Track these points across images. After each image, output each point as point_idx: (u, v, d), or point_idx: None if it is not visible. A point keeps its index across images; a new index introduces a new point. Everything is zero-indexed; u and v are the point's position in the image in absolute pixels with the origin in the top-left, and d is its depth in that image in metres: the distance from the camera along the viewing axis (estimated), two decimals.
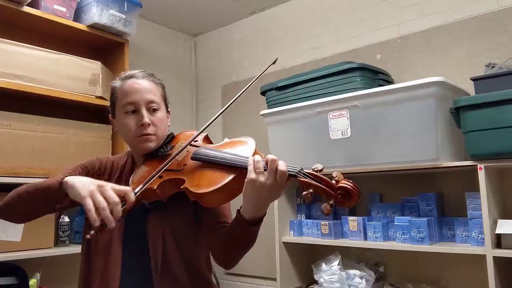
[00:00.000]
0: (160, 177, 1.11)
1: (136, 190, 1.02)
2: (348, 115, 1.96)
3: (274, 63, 1.25)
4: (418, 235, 1.81)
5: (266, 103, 2.36)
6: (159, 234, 1.17)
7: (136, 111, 1.20)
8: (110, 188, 0.96)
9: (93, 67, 2.30)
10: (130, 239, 1.18)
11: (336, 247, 2.12)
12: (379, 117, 1.88)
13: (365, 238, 2.02)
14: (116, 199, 0.93)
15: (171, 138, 1.29)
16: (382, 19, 2.41)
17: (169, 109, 1.32)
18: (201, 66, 3.38)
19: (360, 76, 2.00)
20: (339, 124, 1.99)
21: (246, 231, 1.06)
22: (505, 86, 1.60)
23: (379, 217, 2.09)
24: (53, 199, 1.07)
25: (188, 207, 1.20)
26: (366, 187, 2.24)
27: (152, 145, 1.21)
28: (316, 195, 0.93)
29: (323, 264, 2.10)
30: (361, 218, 2.05)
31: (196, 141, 1.21)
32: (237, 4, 2.90)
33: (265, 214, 1.06)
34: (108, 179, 1.25)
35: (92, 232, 0.91)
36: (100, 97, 2.31)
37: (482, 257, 1.63)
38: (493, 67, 1.79)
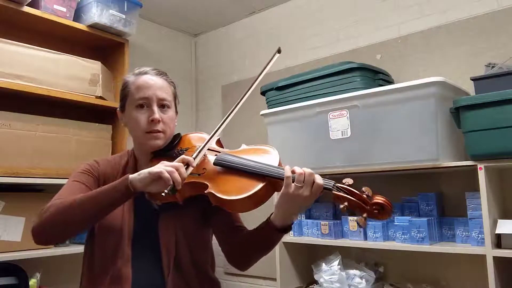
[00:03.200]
0: None
1: (193, 155, 1.10)
2: (348, 115, 1.96)
3: (279, 52, 1.26)
4: (418, 235, 1.81)
5: (266, 103, 2.36)
6: (172, 234, 1.17)
7: (147, 107, 1.21)
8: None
9: (93, 67, 2.30)
10: (140, 239, 1.16)
11: (336, 247, 2.12)
12: (379, 117, 1.88)
13: (365, 238, 2.02)
14: (178, 163, 1.04)
15: (179, 139, 1.29)
16: (382, 19, 2.41)
17: (177, 110, 1.32)
18: (201, 66, 3.38)
19: (360, 76, 2.00)
20: (339, 124, 1.99)
21: (275, 237, 1.12)
22: (505, 86, 1.60)
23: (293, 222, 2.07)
24: (119, 200, 1.07)
25: (198, 209, 1.22)
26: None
27: (159, 142, 1.21)
28: (349, 208, 0.99)
29: (323, 264, 2.10)
30: None
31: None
32: (237, 4, 2.90)
33: (293, 222, 1.15)
34: (113, 181, 1.23)
35: (166, 191, 1.00)
36: (100, 97, 2.31)
37: (482, 257, 1.63)
38: (493, 67, 1.79)
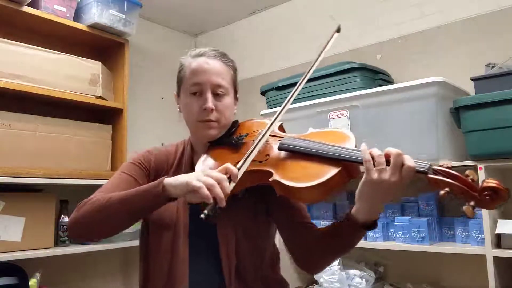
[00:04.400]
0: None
1: (239, 165, 0.94)
2: (348, 115, 1.96)
3: (338, 31, 1.17)
4: (418, 235, 1.81)
5: (266, 103, 2.36)
6: (231, 230, 1.06)
7: (200, 94, 1.12)
8: (211, 170, 0.92)
9: (93, 67, 2.30)
10: (197, 237, 1.07)
11: None
12: (379, 117, 1.88)
13: (365, 238, 2.01)
14: (221, 175, 0.88)
15: (237, 126, 1.20)
16: (382, 19, 2.41)
17: (237, 95, 1.24)
18: None
19: (360, 76, 2.01)
20: (339, 124, 1.99)
21: (357, 235, 0.96)
22: (505, 86, 1.60)
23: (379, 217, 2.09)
24: (151, 206, 0.96)
25: (258, 202, 1.11)
26: None
27: (213, 132, 1.12)
28: (452, 195, 0.82)
29: None
30: None
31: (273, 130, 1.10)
32: (237, 4, 2.90)
33: (379, 218, 0.95)
34: (166, 172, 1.15)
35: (206, 212, 0.84)
36: (100, 97, 2.30)
37: (482, 257, 1.63)
38: (493, 67, 1.79)
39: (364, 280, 2.00)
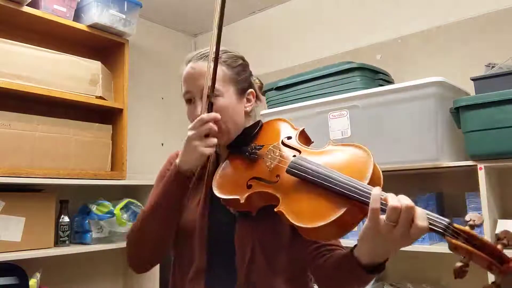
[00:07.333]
0: (249, 186, 0.95)
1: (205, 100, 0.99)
2: (348, 115, 1.96)
3: None
4: None
5: (266, 103, 2.36)
6: (248, 243, 1.01)
7: (193, 101, 1.05)
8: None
9: (93, 67, 2.30)
10: (215, 247, 1.04)
11: None
12: (379, 117, 1.88)
13: None
14: (208, 125, 0.95)
15: (258, 127, 1.09)
16: (382, 19, 2.41)
17: (250, 90, 1.11)
18: None
19: (360, 76, 2.00)
20: (339, 124, 1.99)
21: (361, 276, 0.86)
22: (505, 86, 1.60)
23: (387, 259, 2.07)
24: (176, 192, 0.99)
25: (280, 219, 1.04)
26: None
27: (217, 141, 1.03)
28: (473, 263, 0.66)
29: None
30: None
31: (290, 138, 1.01)
32: (237, 4, 2.90)
33: (388, 260, 0.83)
34: (191, 175, 1.13)
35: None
36: (100, 97, 2.31)
37: None
38: (493, 67, 1.79)
39: None
